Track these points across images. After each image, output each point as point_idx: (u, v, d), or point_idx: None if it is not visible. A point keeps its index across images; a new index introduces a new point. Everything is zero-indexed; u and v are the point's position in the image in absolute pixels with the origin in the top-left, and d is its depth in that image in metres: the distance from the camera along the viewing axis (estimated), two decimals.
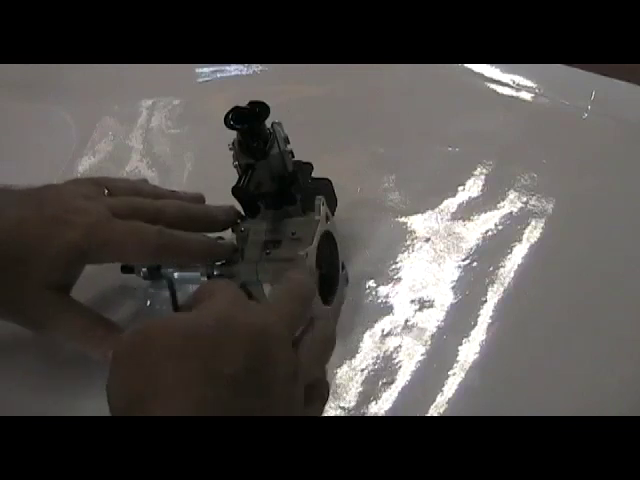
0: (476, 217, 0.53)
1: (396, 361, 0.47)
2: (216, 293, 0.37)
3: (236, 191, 0.46)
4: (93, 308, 0.54)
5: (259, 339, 0.35)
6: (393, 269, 0.52)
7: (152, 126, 0.66)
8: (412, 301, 0.50)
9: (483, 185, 0.55)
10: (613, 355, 0.46)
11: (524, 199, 0.54)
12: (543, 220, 0.52)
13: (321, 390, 0.40)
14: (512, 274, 0.50)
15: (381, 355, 0.48)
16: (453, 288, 0.50)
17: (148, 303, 0.54)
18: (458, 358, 0.47)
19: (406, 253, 0.53)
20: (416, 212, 0.55)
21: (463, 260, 0.51)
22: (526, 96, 0.60)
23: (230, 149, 0.46)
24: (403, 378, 0.47)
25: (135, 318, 0.53)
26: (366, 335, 0.49)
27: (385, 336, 0.49)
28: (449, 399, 0.45)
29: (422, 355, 0.47)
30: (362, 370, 0.47)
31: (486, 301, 0.49)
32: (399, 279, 0.51)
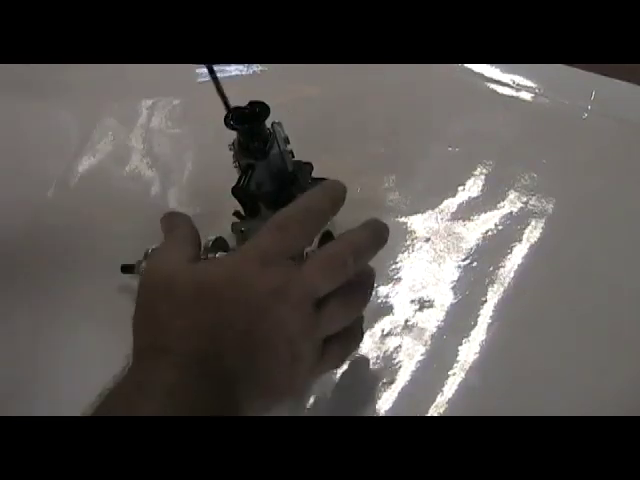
0: (476, 217, 0.53)
1: (396, 361, 0.47)
2: (247, 248, 0.39)
3: (236, 191, 0.46)
4: (93, 308, 0.54)
5: (265, 300, 0.38)
6: (393, 269, 0.52)
7: (152, 126, 0.66)
8: (412, 301, 0.50)
9: (483, 185, 0.55)
10: (613, 355, 0.46)
11: (524, 199, 0.54)
12: (543, 220, 0.52)
13: (339, 346, 0.42)
14: (512, 274, 0.50)
15: (381, 355, 0.48)
16: (453, 288, 0.50)
17: None
18: (458, 358, 0.47)
19: (406, 253, 0.53)
20: (416, 212, 0.55)
21: (463, 260, 0.51)
22: (526, 96, 0.60)
23: (230, 149, 0.46)
24: (403, 378, 0.47)
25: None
26: (366, 335, 0.49)
27: (385, 336, 0.49)
28: (449, 399, 0.45)
29: (422, 355, 0.47)
30: (362, 370, 0.47)
31: (486, 301, 0.49)
32: (399, 279, 0.51)
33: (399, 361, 0.47)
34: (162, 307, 0.38)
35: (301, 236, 0.41)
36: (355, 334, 0.44)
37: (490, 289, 0.49)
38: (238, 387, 0.37)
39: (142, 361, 0.37)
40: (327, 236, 0.47)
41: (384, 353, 0.48)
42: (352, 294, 0.41)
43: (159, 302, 0.38)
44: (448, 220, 0.54)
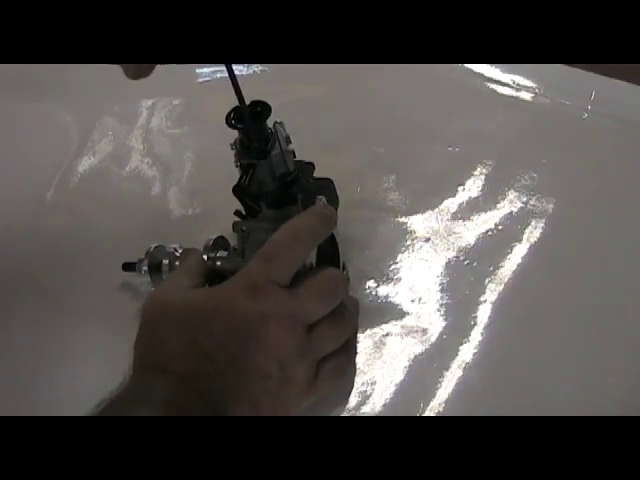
0: (476, 217, 0.53)
1: (396, 361, 0.47)
2: (236, 277, 0.41)
3: (237, 190, 0.46)
4: (94, 306, 0.54)
5: (255, 324, 0.39)
6: (393, 269, 0.52)
7: (152, 126, 0.66)
8: (412, 301, 0.50)
9: (483, 185, 0.55)
10: (613, 355, 0.46)
11: (524, 199, 0.54)
12: (543, 220, 0.52)
13: (332, 367, 0.43)
14: (512, 274, 0.50)
15: (381, 355, 0.48)
16: (453, 288, 0.50)
17: None
18: (458, 358, 0.47)
19: (406, 253, 0.53)
20: (416, 212, 0.55)
21: (463, 260, 0.51)
22: (526, 96, 0.60)
23: (232, 148, 0.46)
24: (403, 378, 0.47)
25: (137, 316, 0.53)
26: (366, 335, 0.49)
27: (385, 336, 0.49)
28: (448, 399, 0.45)
29: (422, 355, 0.47)
30: (362, 370, 0.47)
31: (486, 301, 0.49)
32: (399, 279, 0.51)
33: (399, 361, 0.47)
34: (158, 329, 0.40)
35: (290, 262, 0.42)
36: (348, 354, 0.46)
37: (490, 289, 0.49)
38: (230, 407, 0.39)
39: (139, 376, 0.39)
40: (328, 237, 0.47)
41: (384, 353, 0.48)
42: (341, 315, 0.43)
43: (156, 325, 0.41)
44: (448, 220, 0.54)
